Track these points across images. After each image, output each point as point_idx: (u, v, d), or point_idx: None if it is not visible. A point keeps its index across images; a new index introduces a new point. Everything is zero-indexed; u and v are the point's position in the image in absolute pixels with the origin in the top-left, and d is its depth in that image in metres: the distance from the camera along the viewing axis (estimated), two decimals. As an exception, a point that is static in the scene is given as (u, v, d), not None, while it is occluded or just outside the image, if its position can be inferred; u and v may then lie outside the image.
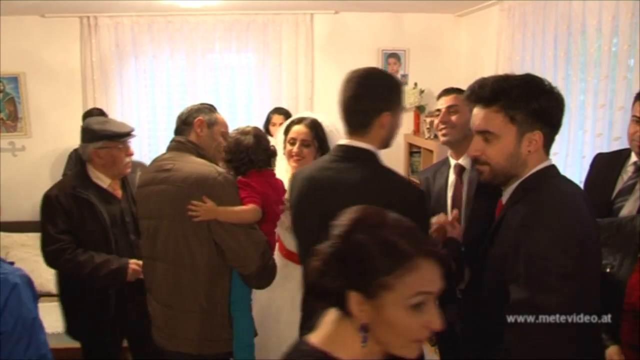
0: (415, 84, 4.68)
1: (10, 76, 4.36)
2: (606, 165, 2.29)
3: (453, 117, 2.26)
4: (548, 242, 1.36)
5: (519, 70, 3.79)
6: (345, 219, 1.10)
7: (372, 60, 4.71)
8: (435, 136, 3.97)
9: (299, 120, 2.46)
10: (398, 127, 1.83)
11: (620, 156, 2.25)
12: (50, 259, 2.43)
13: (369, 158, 1.74)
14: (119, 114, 4.43)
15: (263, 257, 2.01)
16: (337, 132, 2.38)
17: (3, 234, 4.12)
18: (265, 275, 2.06)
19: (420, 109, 4.68)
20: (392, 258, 1.04)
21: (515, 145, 1.48)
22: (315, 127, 2.41)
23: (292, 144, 2.41)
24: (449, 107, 2.27)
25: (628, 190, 2.14)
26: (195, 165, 2.07)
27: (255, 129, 2.26)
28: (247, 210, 1.99)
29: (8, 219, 4.02)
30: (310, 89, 4.68)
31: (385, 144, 1.80)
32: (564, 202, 1.43)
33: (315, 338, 1.12)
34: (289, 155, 2.42)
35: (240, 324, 2.02)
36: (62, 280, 2.56)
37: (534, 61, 3.66)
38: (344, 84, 1.77)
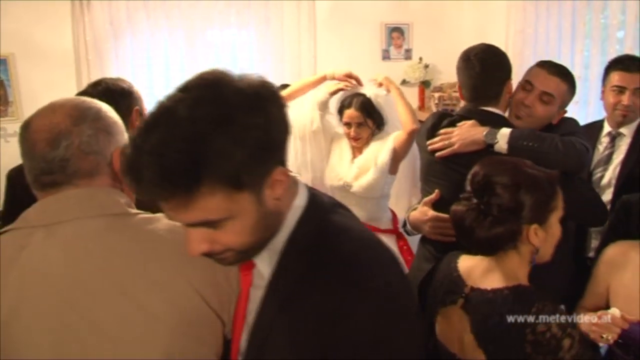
0: (420, 59, 4.60)
1: (-1, 58, 4.11)
2: None
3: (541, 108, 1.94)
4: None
5: (531, 43, 3.74)
6: (493, 172, 1.36)
7: (375, 35, 4.60)
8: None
9: (349, 104, 2.59)
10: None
11: (594, 128, 2.38)
12: None
13: (508, 124, 1.92)
14: (116, 95, 4.24)
15: None
16: (383, 101, 2.62)
17: None
18: None
19: (425, 84, 4.60)
20: (552, 185, 1.35)
21: (257, 209, 0.93)
22: (364, 107, 2.57)
23: (349, 126, 2.61)
24: (541, 95, 1.91)
25: (606, 160, 2.29)
26: None
27: None
28: None
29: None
30: (313, 65, 4.50)
31: (506, 108, 2.01)
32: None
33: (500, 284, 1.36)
34: (348, 137, 2.64)
35: None
36: None
37: (548, 33, 3.62)
38: (467, 62, 1.93)
